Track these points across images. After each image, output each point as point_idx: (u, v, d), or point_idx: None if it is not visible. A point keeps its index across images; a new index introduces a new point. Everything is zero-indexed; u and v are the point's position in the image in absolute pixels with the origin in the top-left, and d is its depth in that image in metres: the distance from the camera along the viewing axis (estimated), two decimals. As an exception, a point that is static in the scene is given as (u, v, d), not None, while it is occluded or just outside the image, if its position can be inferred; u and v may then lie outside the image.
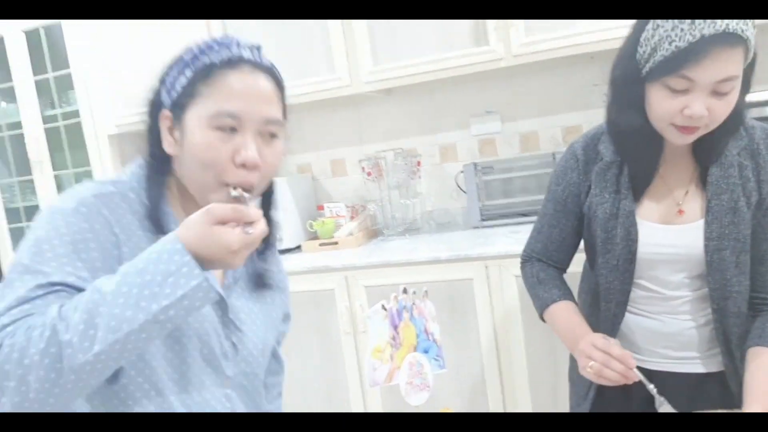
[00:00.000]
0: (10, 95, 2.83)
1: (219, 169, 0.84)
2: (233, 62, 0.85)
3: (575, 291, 1.33)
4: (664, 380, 1.15)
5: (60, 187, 2.85)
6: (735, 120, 1.04)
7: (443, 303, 2.08)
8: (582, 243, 1.31)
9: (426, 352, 1.20)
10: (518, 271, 1.39)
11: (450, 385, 2.14)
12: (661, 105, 1.02)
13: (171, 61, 0.90)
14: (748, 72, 1.01)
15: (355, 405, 2.24)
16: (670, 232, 1.13)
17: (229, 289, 0.98)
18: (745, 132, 1.10)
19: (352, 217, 2.65)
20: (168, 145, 0.89)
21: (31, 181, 2.84)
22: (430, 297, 1.23)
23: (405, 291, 1.19)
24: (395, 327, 1.16)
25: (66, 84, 2.73)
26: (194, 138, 0.85)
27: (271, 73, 0.90)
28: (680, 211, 1.13)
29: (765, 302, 1.14)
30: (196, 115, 0.85)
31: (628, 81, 1.07)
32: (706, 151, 1.09)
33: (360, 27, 2.28)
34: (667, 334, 1.18)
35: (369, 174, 2.64)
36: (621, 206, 1.15)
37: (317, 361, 2.26)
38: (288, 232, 2.53)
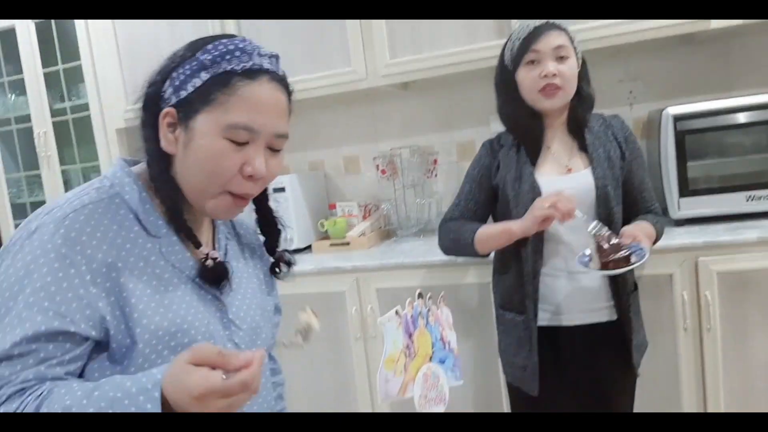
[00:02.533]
0: (19, 87, 2.78)
1: (225, 178, 0.83)
2: (254, 72, 0.82)
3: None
4: (583, 334, 1.54)
5: (67, 183, 2.79)
6: (588, 102, 1.56)
7: (459, 308, 1.99)
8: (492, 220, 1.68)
9: (442, 362, 1.11)
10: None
11: (466, 397, 2.04)
12: (526, 78, 1.50)
13: (179, 56, 0.85)
14: (584, 71, 1.56)
15: (366, 413, 2.15)
16: (566, 179, 1.53)
17: (225, 288, 0.94)
18: (600, 117, 1.61)
19: (364, 217, 2.56)
20: (167, 144, 0.85)
21: (39, 176, 2.78)
22: (445, 302, 1.14)
23: (420, 296, 1.10)
24: (410, 335, 1.07)
25: (76, 77, 2.67)
26: (204, 144, 0.82)
27: (286, 84, 0.88)
28: (569, 169, 1.55)
29: (648, 211, 1.60)
30: (209, 122, 0.82)
31: (505, 80, 1.55)
32: (579, 126, 1.56)
33: (377, 20, 2.19)
34: (581, 288, 1.53)
35: (383, 172, 2.55)
36: (523, 170, 1.55)
37: (325, 367, 2.17)
38: (298, 232, 2.44)
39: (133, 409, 0.69)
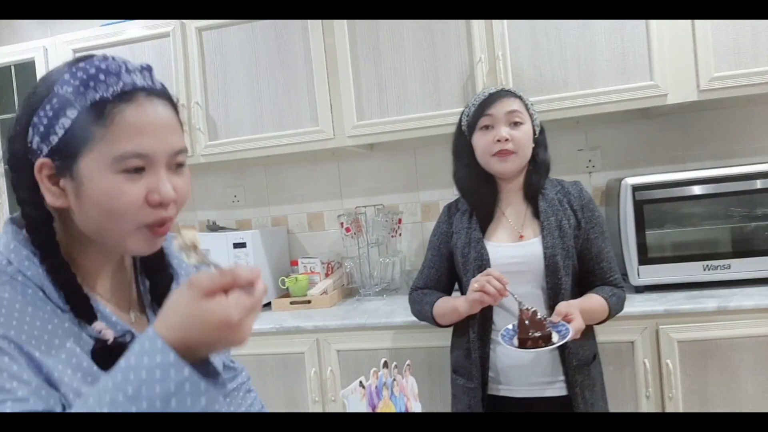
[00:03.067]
0: (-28, 132, 2.69)
1: (132, 214, 0.73)
2: (127, 94, 0.72)
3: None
4: (530, 406, 1.49)
5: (17, 231, 2.67)
6: (543, 168, 1.56)
7: (423, 372, 1.94)
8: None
9: (406, 435, 1.06)
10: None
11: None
12: (480, 142, 1.53)
13: (35, 96, 0.74)
14: (542, 138, 1.58)
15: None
16: (515, 247, 1.53)
17: None
18: (559, 183, 1.60)
19: (327, 274, 2.52)
20: (54, 199, 0.74)
21: (-14, 223, 2.66)
22: (411, 371, 1.11)
23: (386, 365, 1.06)
24: (373, 407, 1.02)
25: (33, 123, 2.60)
26: (96, 186, 0.72)
27: (167, 96, 0.78)
28: (521, 236, 1.54)
29: (605, 282, 1.56)
30: (94, 161, 0.71)
31: (461, 145, 1.59)
32: (533, 191, 1.56)
33: (345, 81, 2.23)
34: (529, 361, 1.48)
35: (347, 230, 2.53)
36: (471, 236, 1.56)
37: None
38: (258, 289, 2.37)
39: (144, 375, 0.60)
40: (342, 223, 2.54)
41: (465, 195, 1.62)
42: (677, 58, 1.96)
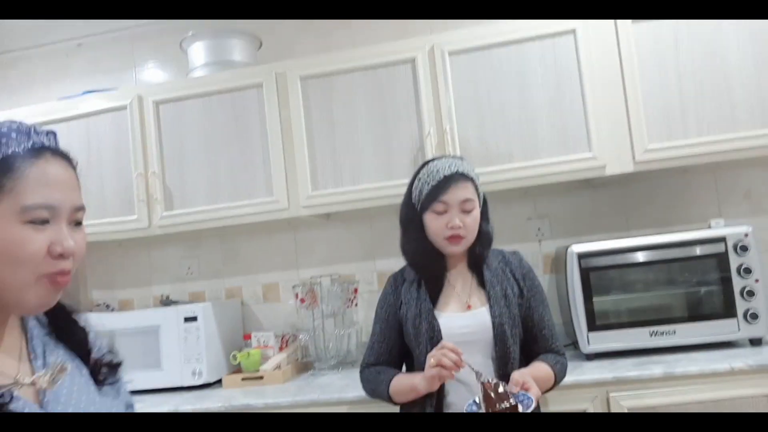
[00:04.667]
0: None
1: (35, 263, 0.79)
2: (36, 151, 0.81)
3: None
4: None
5: None
6: (486, 239, 1.60)
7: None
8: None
9: None
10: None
11: None
12: (433, 225, 1.55)
13: None
14: (485, 209, 1.62)
15: None
16: (464, 317, 1.55)
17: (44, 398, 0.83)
18: (500, 253, 1.65)
19: (281, 348, 2.46)
20: None
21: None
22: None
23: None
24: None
25: None
26: (3, 236, 0.77)
27: (69, 159, 0.87)
28: (468, 306, 1.57)
29: (548, 349, 1.59)
30: (2, 212, 0.77)
31: (410, 218, 1.60)
32: (477, 262, 1.60)
33: (300, 152, 2.27)
34: None
35: (302, 301, 2.50)
36: (422, 307, 1.56)
37: None
38: (208, 365, 2.30)
39: None
40: (297, 294, 2.52)
41: (414, 266, 1.63)
42: (613, 130, 2.06)
